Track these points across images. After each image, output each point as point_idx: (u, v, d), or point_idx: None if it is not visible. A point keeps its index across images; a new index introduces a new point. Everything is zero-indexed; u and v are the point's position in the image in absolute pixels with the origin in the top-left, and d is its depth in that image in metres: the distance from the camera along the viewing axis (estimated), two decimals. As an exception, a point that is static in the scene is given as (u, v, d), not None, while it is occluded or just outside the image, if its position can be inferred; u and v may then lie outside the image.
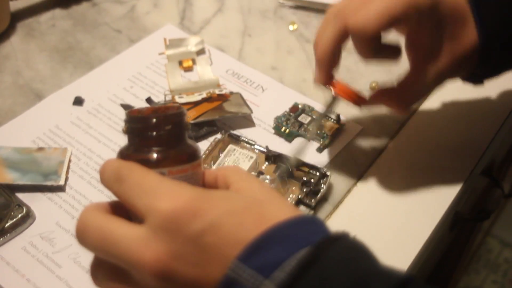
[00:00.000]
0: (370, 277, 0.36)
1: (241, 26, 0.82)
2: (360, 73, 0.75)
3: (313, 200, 0.60)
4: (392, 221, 0.61)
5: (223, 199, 0.39)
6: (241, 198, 0.40)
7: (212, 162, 0.64)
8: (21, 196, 0.61)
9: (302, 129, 0.68)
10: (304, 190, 0.61)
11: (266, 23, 0.83)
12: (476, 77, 0.60)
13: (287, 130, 0.67)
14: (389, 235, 0.60)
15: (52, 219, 0.60)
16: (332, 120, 0.68)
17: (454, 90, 0.70)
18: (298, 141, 0.67)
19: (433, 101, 0.72)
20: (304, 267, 0.35)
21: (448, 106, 0.72)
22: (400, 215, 0.61)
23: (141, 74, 0.75)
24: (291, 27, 0.81)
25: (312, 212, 0.61)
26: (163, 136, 0.43)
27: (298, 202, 0.61)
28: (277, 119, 0.68)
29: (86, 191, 0.62)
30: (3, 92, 0.72)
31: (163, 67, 0.75)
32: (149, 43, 0.78)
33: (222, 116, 0.67)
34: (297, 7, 0.85)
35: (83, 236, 0.40)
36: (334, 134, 0.67)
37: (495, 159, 0.92)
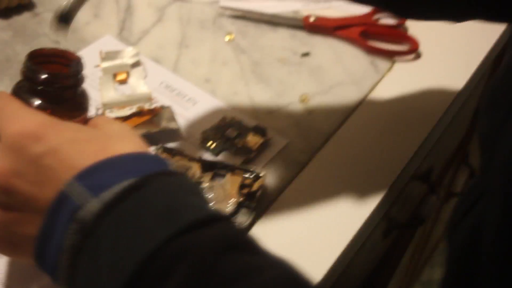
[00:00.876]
0: (185, 208, 0.40)
1: (178, 37, 0.84)
2: (292, 84, 0.77)
3: (253, 204, 0.63)
4: (313, 229, 0.63)
5: (69, 129, 0.44)
6: (88, 131, 0.46)
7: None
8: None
9: (228, 143, 0.69)
10: (243, 194, 0.64)
11: (204, 33, 0.84)
12: None
13: (213, 145, 0.69)
14: (308, 242, 0.62)
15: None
16: (258, 134, 0.70)
17: (383, 99, 0.73)
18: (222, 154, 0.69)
19: (361, 112, 0.75)
20: (129, 192, 0.40)
21: (375, 116, 0.75)
22: (322, 223, 0.63)
23: (75, 87, 0.76)
24: (226, 38, 0.83)
25: (253, 213, 0.63)
26: (49, 92, 0.49)
27: (239, 206, 0.63)
28: (204, 133, 0.70)
29: None
30: None
31: (99, 80, 0.77)
32: (86, 55, 0.79)
33: (148, 132, 0.69)
34: (236, 17, 0.87)
35: None
36: (259, 149, 0.69)
37: (433, 166, 0.94)
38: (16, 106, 0.46)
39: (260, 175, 0.65)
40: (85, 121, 0.51)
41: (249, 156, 0.68)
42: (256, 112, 0.74)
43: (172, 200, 0.41)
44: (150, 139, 0.69)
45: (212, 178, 0.66)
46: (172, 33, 0.84)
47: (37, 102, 0.49)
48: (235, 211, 0.62)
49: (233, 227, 0.42)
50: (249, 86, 0.77)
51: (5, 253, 0.47)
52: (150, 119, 0.71)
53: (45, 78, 0.49)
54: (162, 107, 0.73)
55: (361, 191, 0.67)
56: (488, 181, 0.44)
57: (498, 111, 0.46)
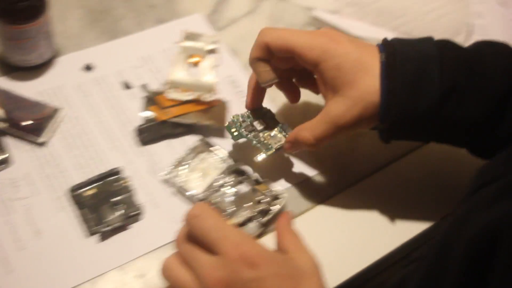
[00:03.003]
0: None
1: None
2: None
3: (262, 219, 0.68)
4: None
5: (276, 263, 0.54)
6: (290, 267, 0.55)
7: (186, 165, 0.72)
8: (9, 141, 0.72)
9: (252, 134, 0.72)
10: (257, 208, 0.69)
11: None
12: (382, 135, 0.67)
13: (235, 132, 0.72)
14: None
15: (25, 168, 0.70)
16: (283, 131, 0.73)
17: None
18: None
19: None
20: None
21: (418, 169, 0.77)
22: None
23: (152, 57, 0.83)
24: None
25: (262, 228, 0.68)
26: None
27: (250, 220, 0.68)
28: (233, 116, 0.73)
29: (62, 152, 0.72)
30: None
31: (173, 56, 0.82)
32: (171, 28, 0.86)
33: (197, 122, 0.75)
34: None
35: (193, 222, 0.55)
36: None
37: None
38: (232, 229, 0.55)
39: (280, 196, 0.70)
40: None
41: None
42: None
43: None
44: (196, 129, 0.76)
45: (237, 184, 0.71)
46: (258, 28, 0.87)
47: None
48: (244, 223, 0.68)
49: None
50: (310, 96, 0.80)
51: None
52: (204, 110, 0.76)
53: None
54: (220, 102, 0.78)
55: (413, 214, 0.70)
56: None
57: None
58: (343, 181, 0.75)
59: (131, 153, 0.73)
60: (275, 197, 0.70)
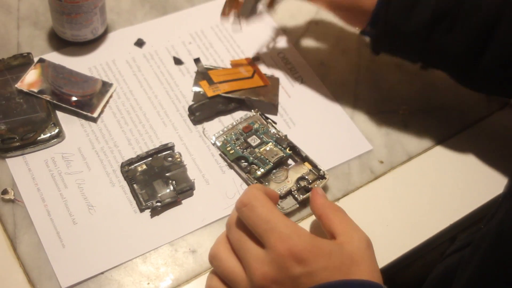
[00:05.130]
0: None
1: (312, 12, 0.86)
2: (399, 93, 0.79)
3: (301, 196, 0.67)
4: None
5: (324, 255, 0.52)
6: (339, 256, 0.52)
7: (233, 135, 0.71)
8: (60, 115, 0.72)
9: (247, 151, 0.70)
10: (298, 184, 0.68)
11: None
12: (372, 44, 0.71)
13: (231, 151, 0.71)
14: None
15: (76, 143, 0.70)
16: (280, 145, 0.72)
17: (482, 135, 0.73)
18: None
19: (457, 141, 0.75)
20: None
21: (468, 150, 0.75)
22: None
23: (203, 33, 0.82)
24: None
25: (297, 206, 0.67)
26: None
27: (287, 193, 0.68)
28: (227, 136, 0.72)
29: (113, 128, 0.72)
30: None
31: (225, 31, 0.81)
32: (221, 4, 0.84)
33: (250, 98, 0.74)
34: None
35: (242, 215, 0.54)
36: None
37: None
38: (281, 220, 0.53)
39: (325, 176, 0.69)
40: None
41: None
42: (353, 109, 0.77)
43: None
44: (248, 105, 0.75)
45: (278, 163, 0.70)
46: (309, 7, 0.86)
47: None
48: (283, 196, 0.67)
49: None
50: (358, 82, 0.79)
51: None
52: (254, 88, 0.76)
53: None
54: (272, 78, 0.77)
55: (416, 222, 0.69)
56: None
57: None
58: (393, 160, 0.73)
59: (183, 129, 0.73)
60: (321, 176, 0.69)
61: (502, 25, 0.65)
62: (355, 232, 0.55)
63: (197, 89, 0.75)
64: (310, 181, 0.68)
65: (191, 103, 0.74)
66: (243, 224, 0.54)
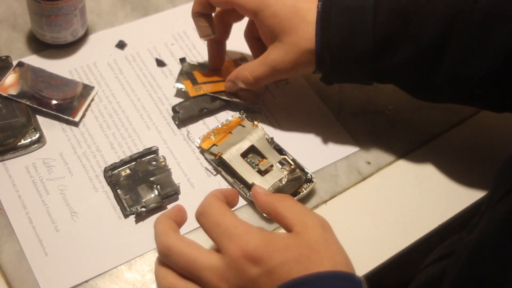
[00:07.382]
0: None
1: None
2: (385, 92, 0.78)
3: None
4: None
5: (279, 250, 0.50)
6: (296, 247, 0.51)
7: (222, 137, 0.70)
8: (40, 120, 0.70)
9: None
10: (287, 187, 0.66)
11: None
12: (323, 78, 0.69)
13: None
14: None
15: (58, 148, 0.69)
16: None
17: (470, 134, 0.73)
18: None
19: (443, 140, 0.75)
20: None
21: (455, 149, 0.75)
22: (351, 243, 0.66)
23: (185, 34, 0.81)
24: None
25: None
26: None
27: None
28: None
29: (95, 132, 0.70)
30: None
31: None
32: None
33: (233, 100, 0.73)
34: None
35: (168, 259, 0.53)
36: None
37: None
38: (231, 222, 0.52)
39: (313, 180, 0.67)
40: None
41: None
42: (339, 110, 0.76)
43: None
44: (233, 106, 0.74)
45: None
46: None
47: None
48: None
49: None
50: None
51: None
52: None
53: None
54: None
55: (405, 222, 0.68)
56: None
57: None
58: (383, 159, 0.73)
59: (167, 132, 0.71)
60: (308, 180, 0.68)
61: (453, 40, 0.63)
62: (308, 218, 0.53)
63: (180, 85, 0.74)
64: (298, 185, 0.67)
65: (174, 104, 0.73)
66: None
